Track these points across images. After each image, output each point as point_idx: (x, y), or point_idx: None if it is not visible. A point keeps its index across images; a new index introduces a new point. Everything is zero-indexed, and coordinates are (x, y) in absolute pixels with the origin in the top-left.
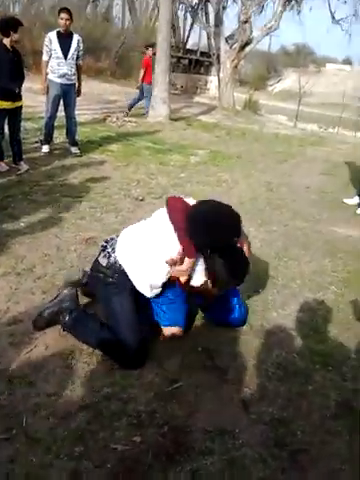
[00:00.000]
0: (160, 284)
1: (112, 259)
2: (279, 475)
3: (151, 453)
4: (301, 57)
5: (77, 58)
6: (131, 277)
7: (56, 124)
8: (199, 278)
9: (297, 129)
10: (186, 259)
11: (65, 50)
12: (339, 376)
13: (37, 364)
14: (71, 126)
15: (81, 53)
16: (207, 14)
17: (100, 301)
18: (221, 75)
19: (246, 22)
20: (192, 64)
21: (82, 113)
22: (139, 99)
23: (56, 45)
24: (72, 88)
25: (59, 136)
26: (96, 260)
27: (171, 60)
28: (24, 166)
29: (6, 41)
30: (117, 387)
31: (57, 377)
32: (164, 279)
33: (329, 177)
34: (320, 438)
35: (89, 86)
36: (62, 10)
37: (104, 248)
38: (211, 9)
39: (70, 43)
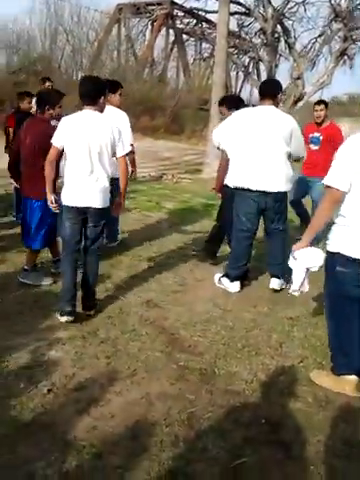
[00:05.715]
0: None
1: None
2: None
3: None
4: (355, 106)
5: None
6: None
7: None
8: None
9: None
10: None
11: None
12: None
13: (104, 434)
14: None
15: None
16: (259, 72)
17: None
18: None
19: (298, 78)
20: None
21: (139, 171)
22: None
23: None
24: None
25: None
26: None
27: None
28: None
29: None
30: (182, 461)
31: (123, 449)
32: None
33: None
34: None
35: (145, 144)
36: None
37: None
38: (263, 67)
39: None
